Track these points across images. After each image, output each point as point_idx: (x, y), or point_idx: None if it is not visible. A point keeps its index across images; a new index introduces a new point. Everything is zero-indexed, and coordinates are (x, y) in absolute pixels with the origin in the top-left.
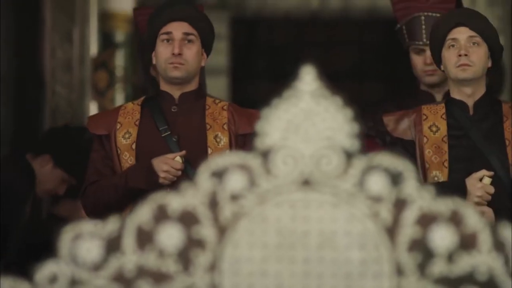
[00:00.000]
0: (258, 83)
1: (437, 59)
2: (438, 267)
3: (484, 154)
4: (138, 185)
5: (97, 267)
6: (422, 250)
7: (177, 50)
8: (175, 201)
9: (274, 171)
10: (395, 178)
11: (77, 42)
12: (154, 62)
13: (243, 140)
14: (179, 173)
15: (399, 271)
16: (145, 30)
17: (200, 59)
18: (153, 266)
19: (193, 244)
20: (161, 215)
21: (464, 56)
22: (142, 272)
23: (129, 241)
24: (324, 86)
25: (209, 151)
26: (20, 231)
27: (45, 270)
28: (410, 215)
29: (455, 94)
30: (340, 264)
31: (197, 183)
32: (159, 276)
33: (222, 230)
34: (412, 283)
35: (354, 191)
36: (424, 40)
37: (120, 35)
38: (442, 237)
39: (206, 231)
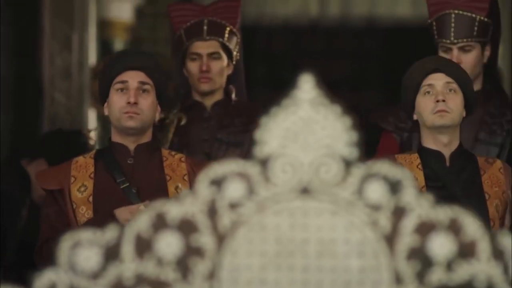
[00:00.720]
0: (256, 90)
1: (410, 107)
2: (437, 276)
3: (464, 208)
4: None
5: (96, 275)
6: (421, 259)
7: (132, 99)
8: (174, 209)
9: (273, 179)
10: (394, 186)
11: (76, 49)
12: (106, 113)
13: None
14: None
15: (398, 280)
16: (178, 28)
17: (155, 110)
18: (152, 274)
19: (192, 252)
20: (160, 223)
21: (442, 102)
22: (141, 280)
23: (128, 249)
24: (323, 94)
25: None
26: (17, 234)
27: (44, 278)
28: (409, 223)
29: (429, 143)
30: (339, 272)
31: (196, 191)
32: (158, 284)
33: (221, 238)
34: None
35: (353, 199)
36: (452, 38)
37: (118, 43)
38: (441, 246)
39: (205, 239)
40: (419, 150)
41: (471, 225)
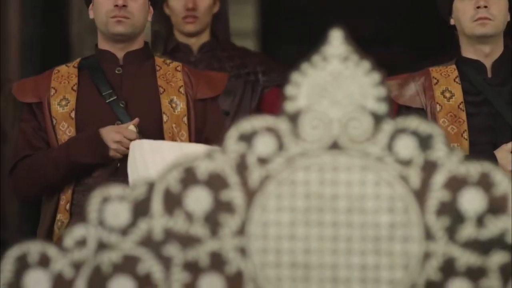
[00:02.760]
0: (286, 47)
1: (447, 10)
2: (467, 231)
3: (509, 123)
4: (84, 159)
5: (125, 231)
6: (451, 214)
7: (121, 1)
8: (203, 164)
9: (303, 135)
10: (424, 142)
11: None
12: (91, 16)
13: (203, 106)
14: None
15: (428, 235)
16: None
17: (147, 13)
18: (181, 229)
19: (221, 207)
20: (190, 178)
21: (484, 8)
22: (170, 235)
23: (157, 204)
24: (352, 50)
25: (164, 118)
26: None
27: (75, 233)
28: (439, 179)
29: (469, 53)
30: (368, 228)
31: (225, 146)
32: (187, 240)
33: (250, 194)
34: (440, 247)
35: (383, 154)
36: None
37: None
38: (471, 201)
39: (235, 195)
40: (456, 61)
41: (502, 180)
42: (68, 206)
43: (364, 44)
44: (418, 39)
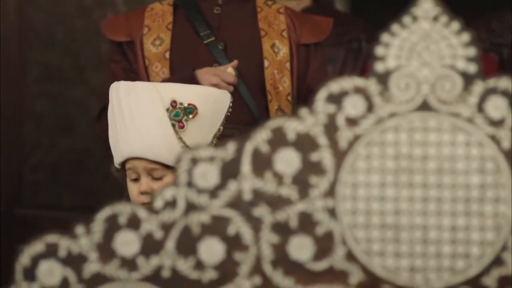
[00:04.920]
0: (375, 7)
1: None
2: None
3: None
4: None
5: (214, 192)
6: None
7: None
8: (292, 125)
9: (392, 96)
10: None
11: None
12: None
13: (306, 51)
14: (231, 88)
15: None
16: None
17: None
18: (270, 190)
19: (310, 169)
20: (279, 139)
21: None
22: (259, 197)
23: (246, 165)
24: (442, 10)
25: (266, 63)
26: None
27: (164, 195)
28: None
29: None
30: (459, 189)
31: (315, 107)
32: (276, 201)
33: (339, 155)
34: None
35: (473, 115)
36: None
37: None
38: None
39: (324, 156)
40: None
41: None
42: None
43: (452, 3)
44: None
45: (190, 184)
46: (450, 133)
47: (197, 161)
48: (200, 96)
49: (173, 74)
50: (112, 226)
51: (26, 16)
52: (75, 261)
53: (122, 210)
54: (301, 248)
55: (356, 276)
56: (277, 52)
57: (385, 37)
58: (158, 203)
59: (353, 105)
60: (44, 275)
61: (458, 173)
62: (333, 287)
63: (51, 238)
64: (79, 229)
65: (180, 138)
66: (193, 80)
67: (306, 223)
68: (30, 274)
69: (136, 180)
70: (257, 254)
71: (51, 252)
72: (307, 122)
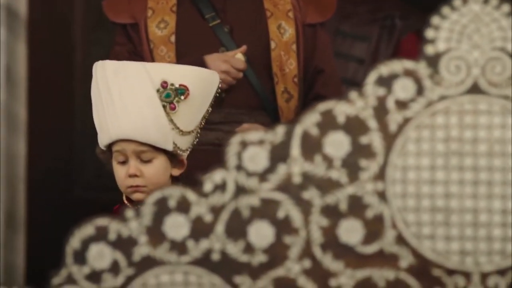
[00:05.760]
0: None
1: None
2: None
3: None
4: None
5: (263, 175)
6: None
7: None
8: (342, 109)
9: (442, 79)
10: None
11: None
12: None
13: (312, 31)
14: (241, 74)
15: None
16: None
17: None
18: (320, 173)
19: (360, 152)
20: (328, 122)
21: None
22: (308, 180)
23: (296, 149)
24: None
25: (272, 44)
26: None
27: (214, 178)
28: None
29: None
30: (509, 172)
31: (365, 90)
32: (326, 184)
33: (389, 138)
34: None
35: None
36: None
37: None
38: None
39: (374, 139)
40: None
41: None
42: None
43: None
44: None
45: (239, 167)
46: (500, 115)
47: (247, 144)
48: (191, 77)
49: (180, 59)
50: (162, 210)
51: None
52: (125, 244)
53: (172, 193)
54: (350, 231)
55: (406, 260)
56: (283, 33)
57: (435, 19)
58: (208, 187)
59: (403, 88)
60: (94, 258)
61: (509, 155)
62: (383, 271)
63: (101, 221)
64: (129, 213)
65: (171, 120)
66: (202, 66)
67: (356, 206)
68: (80, 257)
69: (124, 162)
70: (307, 238)
71: (101, 235)
72: (357, 105)
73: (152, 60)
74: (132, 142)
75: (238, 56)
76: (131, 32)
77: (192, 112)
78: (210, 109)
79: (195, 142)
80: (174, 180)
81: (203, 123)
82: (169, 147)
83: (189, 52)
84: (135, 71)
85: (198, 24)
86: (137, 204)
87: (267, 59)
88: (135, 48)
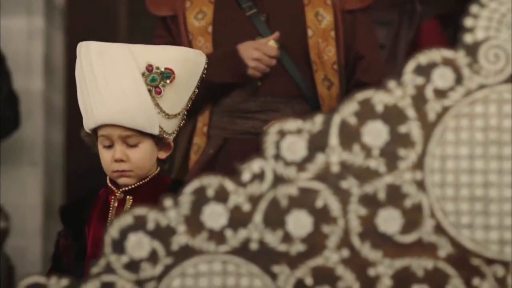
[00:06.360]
0: None
1: None
2: None
3: None
4: (220, 79)
5: (301, 164)
6: None
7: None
8: (381, 98)
9: (481, 67)
10: None
11: None
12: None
13: (351, 18)
14: (274, 61)
15: None
16: None
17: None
18: (358, 163)
19: (398, 141)
20: (367, 111)
21: None
22: (347, 169)
23: (334, 138)
24: None
25: (309, 32)
26: None
27: (252, 167)
28: None
29: None
30: None
31: (403, 79)
32: (364, 174)
33: (428, 127)
34: None
35: None
36: None
37: None
38: None
39: (412, 128)
40: None
41: None
42: (205, 129)
43: None
44: None
45: (277, 156)
46: None
47: (285, 133)
48: (177, 59)
49: (216, 48)
50: (200, 199)
51: None
52: (163, 234)
53: (210, 182)
54: (389, 221)
55: (445, 249)
56: (320, 21)
57: (474, 8)
58: (246, 176)
59: (442, 77)
60: (132, 247)
61: None
62: (421, 260)
63: (140, 210)
64: (168, 202)
65: (157, 104)
66: (235, 56)
67: (394, 195)
68: (119, 246)
69: (110, 147)
70: (345, 227)
71: (139, 224)
72: (395, 94)
73: None
74: (117, 127)
75: (270, 43)
76: (170, 24)
77: (178, 95)
78: (197, 90)
79: (181, 124)
80: (160, 162)
81: (189, 105)
82: (155, 131)
83: (226, 43)
84: (120, 53)
85: (235, 13)
86: (121, 187)
87: (304, 47)
88: (174, 40)
